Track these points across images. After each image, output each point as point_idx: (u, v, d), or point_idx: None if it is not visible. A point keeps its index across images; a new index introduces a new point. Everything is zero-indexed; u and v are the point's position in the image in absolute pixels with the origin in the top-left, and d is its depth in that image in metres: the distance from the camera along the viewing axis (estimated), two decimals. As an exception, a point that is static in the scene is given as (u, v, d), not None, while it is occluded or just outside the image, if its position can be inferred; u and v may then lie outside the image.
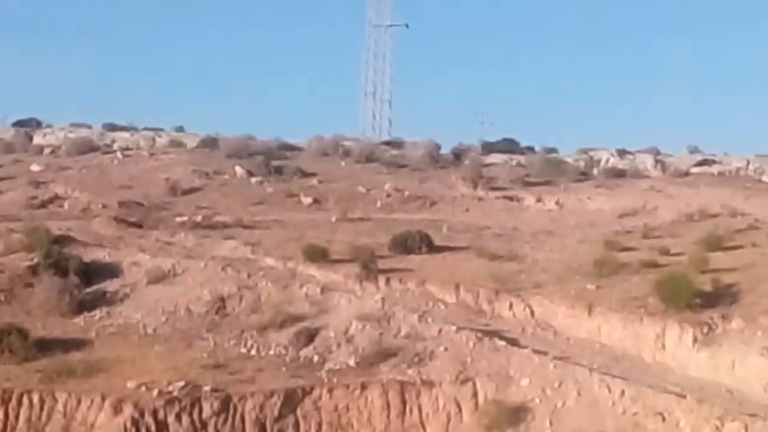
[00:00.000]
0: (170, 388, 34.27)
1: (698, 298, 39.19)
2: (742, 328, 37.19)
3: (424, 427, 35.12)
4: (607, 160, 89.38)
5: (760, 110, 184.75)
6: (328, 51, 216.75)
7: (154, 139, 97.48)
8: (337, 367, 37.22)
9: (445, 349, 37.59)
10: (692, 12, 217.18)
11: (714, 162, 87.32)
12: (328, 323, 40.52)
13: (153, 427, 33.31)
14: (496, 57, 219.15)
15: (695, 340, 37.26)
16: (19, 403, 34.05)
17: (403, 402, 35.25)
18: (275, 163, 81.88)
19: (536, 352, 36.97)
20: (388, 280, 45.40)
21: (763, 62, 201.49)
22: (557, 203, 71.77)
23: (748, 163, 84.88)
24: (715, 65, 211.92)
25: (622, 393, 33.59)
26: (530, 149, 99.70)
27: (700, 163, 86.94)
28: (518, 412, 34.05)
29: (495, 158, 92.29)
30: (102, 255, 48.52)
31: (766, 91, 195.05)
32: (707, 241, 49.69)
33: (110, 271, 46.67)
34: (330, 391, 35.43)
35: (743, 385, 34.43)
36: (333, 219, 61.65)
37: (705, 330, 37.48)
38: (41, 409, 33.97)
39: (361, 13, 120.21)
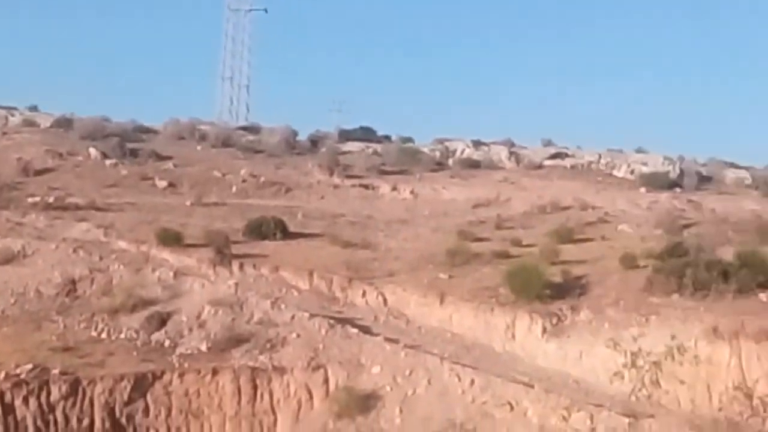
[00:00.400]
0: (18, 371, 33.72)
1: (548, 290, 39.92)
2: (590, 320, 37.97)
3: (274, 413, 35.16)
4: (463, 151, 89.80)
5: (612, 105, 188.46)
6: (185, 34, 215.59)
7: (6, 118, 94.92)
8: (189, 351, 37.02)
9: (298, 335, 37.63)
10: (547, 6, 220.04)
11: (567, 155, 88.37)
12: (180, 308, 40.26)
13: (-1, 410, 32.78)
14: (355, 45, 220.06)
15: (544, 330, 37.95)
16: None
17: (255, 388, 35.25)
18: (130, 145, 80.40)
19: (388, 340, 37.26)
20: (241, 266, 45.20)
21: (616, 58, 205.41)
22: (412, 192, 72.01)
23: (600, 157, 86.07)
24: (569, 59, 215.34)
25: (472, 382, 34.06)
26: (387, 138, 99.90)
27: (554, 156, 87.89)
28: (369, 400, 34.30)
29: (351, 146, 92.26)
30: (-50, 235, 47.43)
31: (618, 86, 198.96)
32: (558, 233, 50.74)
33: (-43, 251, 45.62)
34: (181, 375, 35.23)
35: (590, 375, 35.13)
36: (188, 203, 61.05)
37: (554, 321, 38.19)
38: None
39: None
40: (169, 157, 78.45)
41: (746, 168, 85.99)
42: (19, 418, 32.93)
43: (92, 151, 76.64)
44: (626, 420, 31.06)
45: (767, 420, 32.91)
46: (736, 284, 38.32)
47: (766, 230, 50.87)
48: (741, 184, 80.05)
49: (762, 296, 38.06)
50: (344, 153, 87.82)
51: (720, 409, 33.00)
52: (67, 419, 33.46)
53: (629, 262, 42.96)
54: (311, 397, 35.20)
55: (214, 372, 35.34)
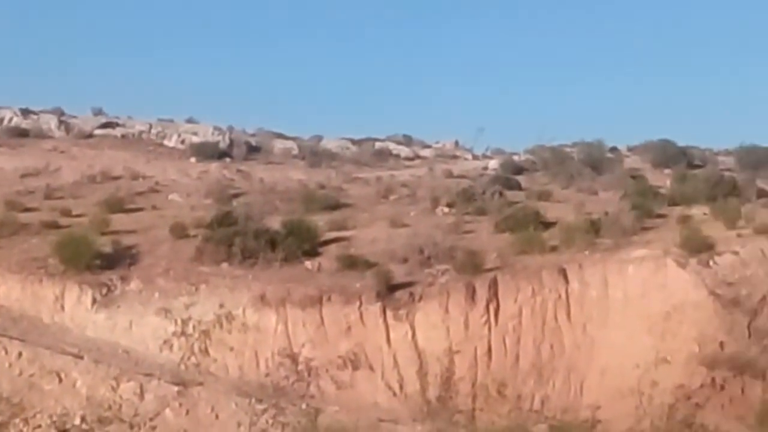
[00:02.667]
0: None
1: (98, 260, 39.72)
2: (140, 289, 38.19)
3: None
4: (11, 120, 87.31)
5: (163, 74, 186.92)
6: None
7: None
8: None
9: None
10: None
11: (118, 125, 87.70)
12: None
13: None
14: None
15: (94, 301, 37.81)
16: None
17: None
18: None
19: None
20: None
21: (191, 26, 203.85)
22: (-44, 161, 69.53)
23: (151, 126, 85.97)
24: (137, 28, 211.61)
25: (20, 354, 33.58)
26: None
27: (104, 126, 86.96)
28: None
29: None
30: None
31: (182, 54, 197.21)
32: (108, 203, 50.50)
33: None
34: None
35: (140, 345, 35.40)
36: None
37: (104, 291, 38.11)
38: None
39: None
40: None
41: (293, 138, 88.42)
42: None
43: None
44: (175, 388, 31.60)
45: (311, 384, 34.34)
46: (283, 252, 39.67)
47: (311, 199, 52.70)
48: (288, 154, 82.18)
49: (307, 264, 39.56)
50: None
51: (267, 375, 34.01)
52: None
53: (179, 231, 43.42)
54: None
55: None
